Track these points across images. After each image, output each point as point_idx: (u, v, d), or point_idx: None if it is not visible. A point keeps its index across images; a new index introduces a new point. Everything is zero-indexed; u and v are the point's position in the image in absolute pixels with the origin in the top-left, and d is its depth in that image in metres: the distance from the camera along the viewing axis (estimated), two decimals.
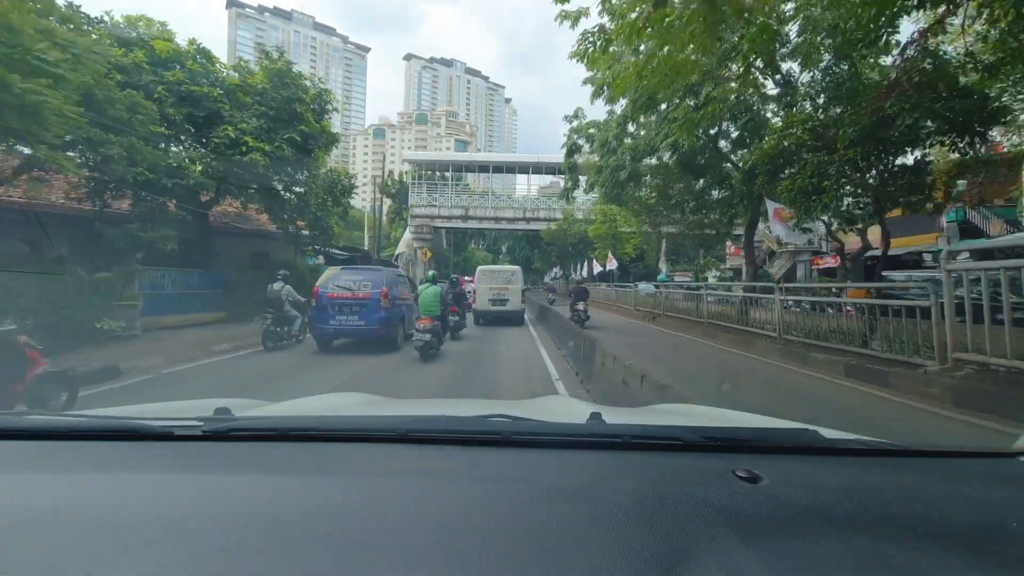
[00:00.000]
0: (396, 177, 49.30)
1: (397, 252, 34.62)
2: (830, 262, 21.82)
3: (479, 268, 16.39)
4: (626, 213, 20.18)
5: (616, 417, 1.40)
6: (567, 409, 1.84)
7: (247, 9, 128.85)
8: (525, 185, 35.00)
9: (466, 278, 19.74)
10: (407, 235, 34.04)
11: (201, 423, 1.08)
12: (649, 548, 0.65)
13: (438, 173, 35.46)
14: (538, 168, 34.23)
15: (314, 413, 1.59)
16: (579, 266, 36.60)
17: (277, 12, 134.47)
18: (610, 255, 28.73)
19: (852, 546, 0.68)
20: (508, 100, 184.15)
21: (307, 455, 1.02)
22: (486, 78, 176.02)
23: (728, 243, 32.27)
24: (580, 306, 13.05)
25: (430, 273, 10.44)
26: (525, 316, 15.29)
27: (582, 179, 18.40)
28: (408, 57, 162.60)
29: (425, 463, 0.97)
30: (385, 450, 1.04)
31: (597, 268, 30.13)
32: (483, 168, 35.85)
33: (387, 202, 55.37)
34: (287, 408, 1.71)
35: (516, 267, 16.48)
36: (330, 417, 1.40)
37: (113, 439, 1.07)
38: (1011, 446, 1.06)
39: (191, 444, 1.06)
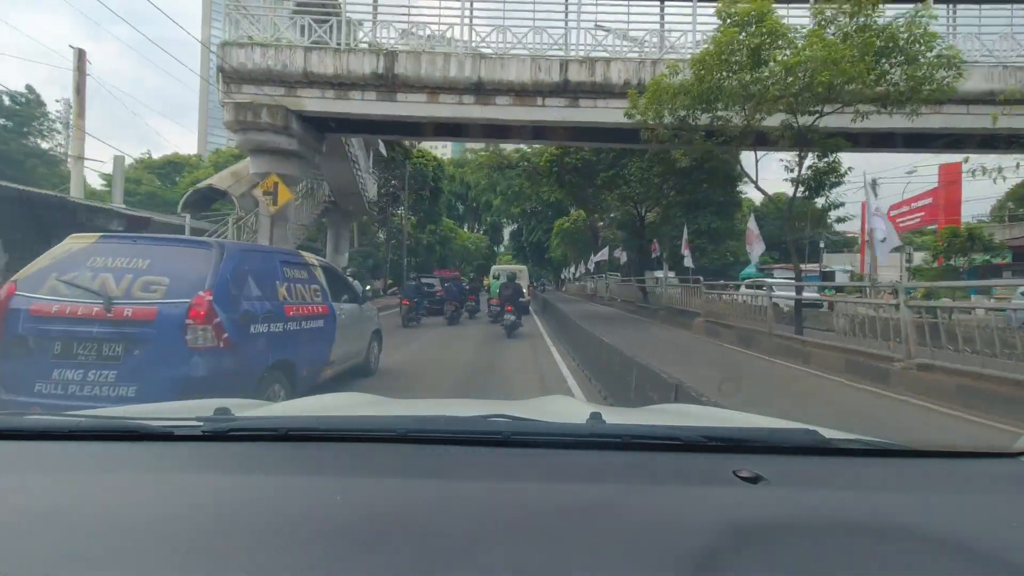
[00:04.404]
0: None
1: (197, 185, 16.17)
2: None
3: (493, 267, 19.54)
4: None
5: (616, 417, 1.39)
6: (567, 409, 1.78)
7: None
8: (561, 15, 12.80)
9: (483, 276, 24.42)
10: (239, 165, 15.91)
11: (201, 423, 1.08)
12: (650, 548, 0.65)
13: None
14: None
15: (314, 413, 1.57)
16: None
17: None
18: (685, 237, 16.85)
19: (853, 546, 0.68)
20: None
21: (307, 455, 1.02)
22: None
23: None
24: (540, 285, 30.36)
25: (503, 278, 13.30)
26: (530, 307, 17.71)
27: None
28: None
29: (425, 463, 0.97)
30: (385, 450, 1.04)
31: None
32: None
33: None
34: (287, 408, 1.72)
35: (523, 266, 21.37)
36: (330, 417, 1.39)
37: (113, 439, 1.06)
38: (1011, 446, 1.05)
39: (191, 444, 1.05)
